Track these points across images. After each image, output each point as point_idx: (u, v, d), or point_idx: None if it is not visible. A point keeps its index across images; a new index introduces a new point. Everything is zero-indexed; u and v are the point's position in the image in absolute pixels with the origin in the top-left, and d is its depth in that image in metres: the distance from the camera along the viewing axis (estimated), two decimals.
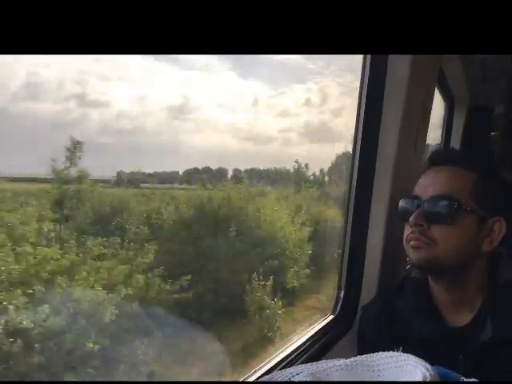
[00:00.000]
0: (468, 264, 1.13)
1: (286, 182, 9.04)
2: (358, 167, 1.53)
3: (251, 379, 1.01)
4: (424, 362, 0.73)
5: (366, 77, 1.49)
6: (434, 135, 2.82)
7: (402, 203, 1.20)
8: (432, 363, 0.73)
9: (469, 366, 1.04)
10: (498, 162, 2.41)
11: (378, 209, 1.50)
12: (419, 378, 0.68)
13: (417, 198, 1.16)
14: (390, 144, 1.50)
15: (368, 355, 0.78)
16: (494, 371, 0.98)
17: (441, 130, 2.83)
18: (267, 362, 1.16)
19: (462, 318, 1.14)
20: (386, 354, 0.77)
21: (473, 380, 0.80)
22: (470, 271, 1.13)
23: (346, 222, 1.56)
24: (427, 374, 0.68)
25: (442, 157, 1.20)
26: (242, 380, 1.04)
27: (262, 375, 0.87)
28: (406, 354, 0.76)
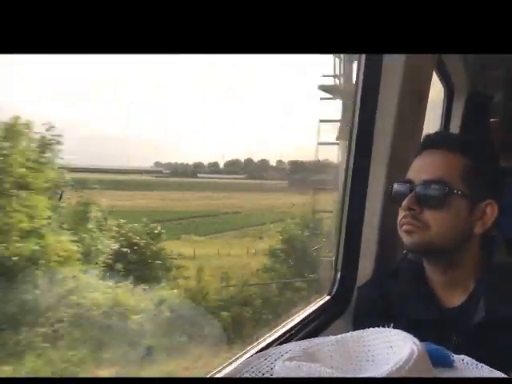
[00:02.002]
0: (461, 246, 1.15)
1: None
2: (355, 152, 1.54)
3: (247, 356, 1.04)
4: (413, 338, 0.75)
5: (363, 61, 1.49)
6: (433, 122, 2.81)
7: (395, 187, 1.22)
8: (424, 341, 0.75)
9: (462, 346, 1.06)
10: (497, 149, 2.42)
11: (375, 192, 1.52)
12: (407, 353, 0.70)
13: (409, 182, 1.17)
14: (386, 130, 1.51)
15: (359, 331, 0.80)
16: (487, 351, 1.01)
17: (440, 117, 2.83)
18: (263, 340, 1.19)
19: (456, 299, 1.16)
20: (376, 329, 0.79)
21: (462, 356, 0.83)
22: (463, 253, 1.15)
23: (343, 203, 1.57)
24: (415, 349, 0.70)
25: (433, 141, 1.21)
26: (240, 354, 1.08)
27: (257, 352, 0.89)
28: (395, 330, 0.78)
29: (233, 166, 9.93)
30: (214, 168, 9.86)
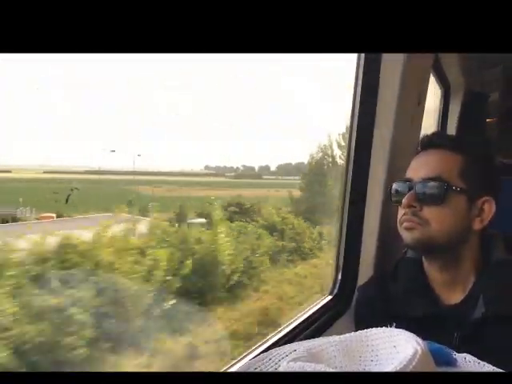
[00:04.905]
0: (460, 243, 1.16)
1: None
2: (355, 151, 1.55)
3: (250, 357, 1.04)
4: (416, 337, 0.75)
5: (362, 61, 1.50)
6: (429, 122, 2.82)
7: (394, 186, 1.24)
8: (426, 340, 0.76)
9: (463, 342, 1.07)
10: (494, 148, 2.43)
11: (375, 193, 1.53)
12: (410, 353, 0.70)
13: (409, 180, 1.19)
14: (385, 130, 1.51)
15: (362, 331, 0.80)
16: (487, 347, 1.01)
17: (437, 117, 2.84)
18: (265, 341, 1.19)
19: (455, 297, 1.18)
20: (379, 329, 0.79)
21: (464, 354, 0.83)
22: (462, 251, 1.17)
23: (343, 203, 1.58)
24: (418, 349, 0.71)
25: (432, 141, 1.23)
26: (243, 356, 1.08)
27: (261, 353, 0.90)
28: (398, 330, 0.78)
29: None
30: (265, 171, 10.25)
